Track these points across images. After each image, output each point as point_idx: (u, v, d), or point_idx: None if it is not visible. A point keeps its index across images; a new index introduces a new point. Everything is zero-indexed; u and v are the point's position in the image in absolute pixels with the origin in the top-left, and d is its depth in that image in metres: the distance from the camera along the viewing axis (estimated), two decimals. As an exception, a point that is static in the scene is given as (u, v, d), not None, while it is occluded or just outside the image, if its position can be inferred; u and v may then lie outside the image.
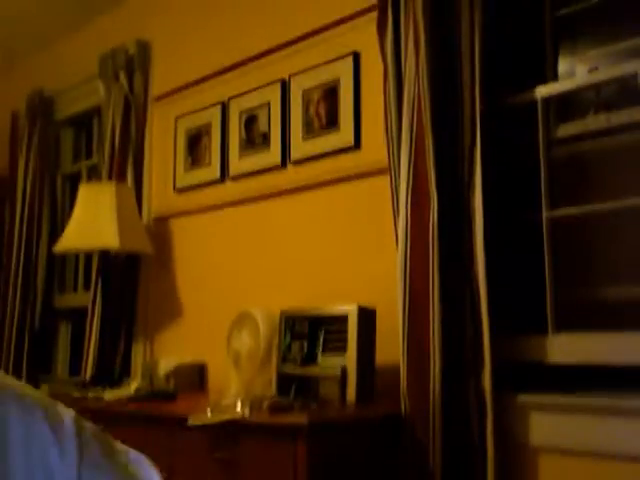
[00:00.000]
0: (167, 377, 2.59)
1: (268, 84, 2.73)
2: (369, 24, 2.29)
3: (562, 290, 1.98)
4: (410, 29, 2.09)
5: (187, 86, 3.11)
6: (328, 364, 2.03)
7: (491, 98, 2.03)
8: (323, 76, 2.53)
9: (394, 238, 2.09)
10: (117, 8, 3.52)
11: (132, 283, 3.17)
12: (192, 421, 1.89)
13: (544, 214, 2.01)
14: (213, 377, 2.76)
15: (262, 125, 2.75)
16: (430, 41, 2.02)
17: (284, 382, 2.11)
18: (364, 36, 2.36)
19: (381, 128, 2.19)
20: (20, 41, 3.93)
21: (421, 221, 1.98)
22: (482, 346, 1.87)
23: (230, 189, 2.88)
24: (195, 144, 3.05)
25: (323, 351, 2.07)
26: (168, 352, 2.97)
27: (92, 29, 3.69)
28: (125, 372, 3.08)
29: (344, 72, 2.46)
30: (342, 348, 2.00)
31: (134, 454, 0.83)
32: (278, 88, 2.69)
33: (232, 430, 1.86)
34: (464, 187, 1.98)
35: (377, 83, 2.24)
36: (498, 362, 1.87)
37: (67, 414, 0.79)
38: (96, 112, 3.67)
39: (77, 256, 3.86)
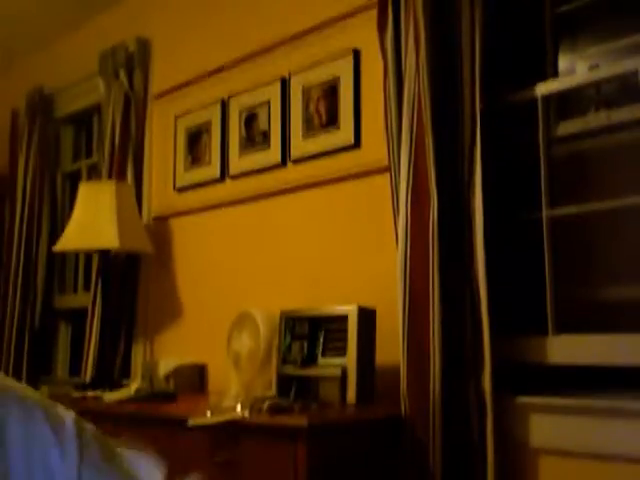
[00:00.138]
0: (167, 378, 2.59)
1: (268, 82, 2.72)
2: (369, 21, 2.28)
3: (562, 290, 1.97)
4: (410, 26, 2.08)
5: (187, 84, 3.10)
6: (328, 365, 2.02)
7: (491, 96, 2.02)
8: (323, 74, 2.52)
9: (394, 237, 2.09)
10: (117, 6, 3.52)
11: (132, 283, 3.16)
12: (192, 422, 1.88)
13: (544, 212, 2.00)
14: (213, 378, 2.76)
15: (262, 123, 2.74)
16: (430, 38, 2.00)
17: (284, 383, 2.10)
18: (364, 33, 2.35)
19: (381, 126, 2.18)
20: (20, 39, 3.92)
21: (421, 220, 1.98)
22: (482, 346, 1.86)
23: (230, 188, 2.87)
24: (195, 142, 3.04)
25: (323, 352, 2.06)
26: (168, 353, 2.97)
27: (92, 27, 3.68)
28: (125, 373, 3.08)
29: (344, 70, 2.45)
30: (342, 349, 2.00)
31: (134, 455, 0.85)
32: (278, 86, 2.68)
33: (232, 431, 1.86)
34: (464, 185, 1.97)
35: (377, 81, 2.23)
36: (498, 363, 1.86)
37: (68, 416, 0.80)
38: (96, 110, 3.66)
39: (77, 256, 3.85)
